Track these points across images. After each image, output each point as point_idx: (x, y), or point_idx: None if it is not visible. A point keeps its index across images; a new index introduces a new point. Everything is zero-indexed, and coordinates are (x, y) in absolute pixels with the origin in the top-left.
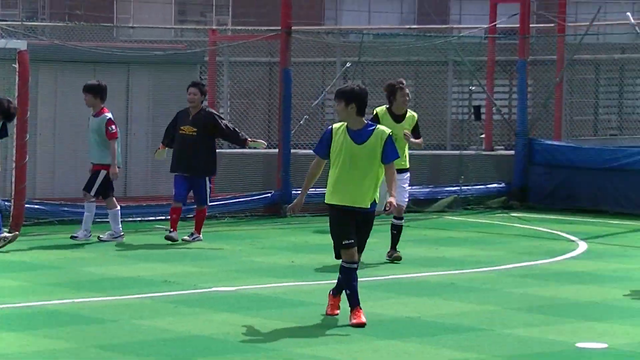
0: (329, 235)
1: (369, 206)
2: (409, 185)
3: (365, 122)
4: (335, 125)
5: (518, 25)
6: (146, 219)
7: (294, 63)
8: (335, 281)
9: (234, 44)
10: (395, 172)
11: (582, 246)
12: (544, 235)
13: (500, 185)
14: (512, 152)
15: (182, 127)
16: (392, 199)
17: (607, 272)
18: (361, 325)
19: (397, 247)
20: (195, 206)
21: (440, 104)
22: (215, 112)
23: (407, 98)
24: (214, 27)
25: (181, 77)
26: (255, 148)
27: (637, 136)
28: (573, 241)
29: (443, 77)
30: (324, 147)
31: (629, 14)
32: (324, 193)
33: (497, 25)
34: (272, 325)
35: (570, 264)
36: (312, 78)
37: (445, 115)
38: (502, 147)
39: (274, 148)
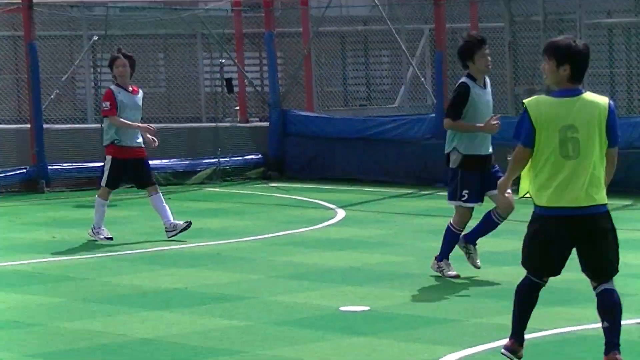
0: (91, 210)
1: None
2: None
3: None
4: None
5: None
6: None
7: (40, 37)
8: None
9: None
10: None
11: (340, 214)
12: (304, 204)
13: (258, 157)
14: (267, 123)
15: None
16: None
17: (365, 238)
18: None
19: None
20: None
21: (192, 77)
22: None
23: None
24: None
25: None
26: None
27: (385, 106)
28: (331, 209)
29: (193, 49)
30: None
31: None
32: (83, 168)
33: None
34: (35, 300)
35: (330, 231)
36: (60, 52)
37: (198, 88)
38: (257, 119)
39: (26, 123)
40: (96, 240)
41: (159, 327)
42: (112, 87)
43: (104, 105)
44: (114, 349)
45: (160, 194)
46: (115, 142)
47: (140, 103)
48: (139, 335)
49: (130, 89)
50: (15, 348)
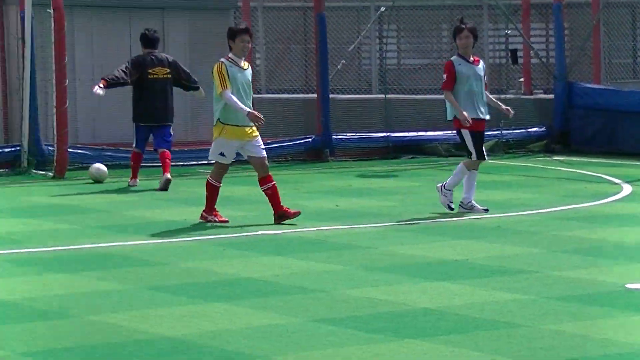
0: (372, 179)
1: None
2: None
3: None
4: None
5: None
6: (188, 163)
7: (328, 8)
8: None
9: None
10: None
11: (627, 189)
12: (587, 179)
13: (541, 129)
14: (552, 95)
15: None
16: None
17: None
18: None
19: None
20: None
21: (476, 48)
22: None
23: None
24: None
25: (215, 21)
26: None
27: None
28: (617, 184)
29: (478, 21)
30: None
31: None
32: (366, 138)
33: None
34: (319, 267)
35: (616, 206)
36: (347, 23)
37: (482, 59)
38: (541, 90)
39: (313, 93)
40: (373, 211)
41: (439, 298)
42: (454, 58)
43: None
44: (396, 317)
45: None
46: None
47: (481, 73)
48: (420, 305)
49: (472, 59)
50: (300, 313)
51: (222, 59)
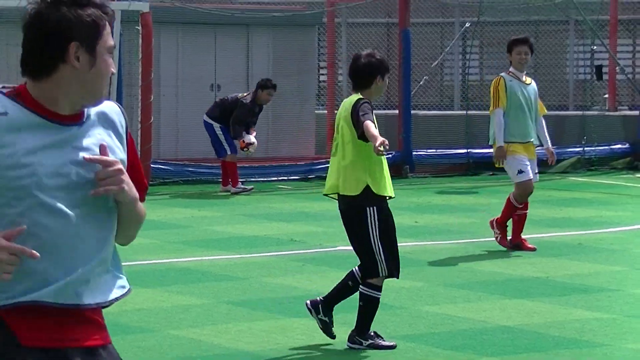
0: (452, 196)
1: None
2: None
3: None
4: None
5: None
6: (268, 179)
7: (412, 24)
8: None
9: (351, 5)
10: None
11: None
12: None
13: (625, 146)
14: (637, 112)
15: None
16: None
17: None
18: None
19: None
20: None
21: (561, 63)
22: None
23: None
24: None
25: (299, 38)
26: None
27: None
28: None
29: (564, 36)
30: None
31: None
32: (447, 154)
33: None
34: (397, 283)
35: None
36: (431, 39)
37: (566, 75)
38: (626, 107)
39: (394, 109)
40: (453, 228)
41: (519, 315)
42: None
43: None
44: (474, 335)
45: None
46: None
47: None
48: (499, 322)
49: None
50: (380, 329)
51: (502, 73)
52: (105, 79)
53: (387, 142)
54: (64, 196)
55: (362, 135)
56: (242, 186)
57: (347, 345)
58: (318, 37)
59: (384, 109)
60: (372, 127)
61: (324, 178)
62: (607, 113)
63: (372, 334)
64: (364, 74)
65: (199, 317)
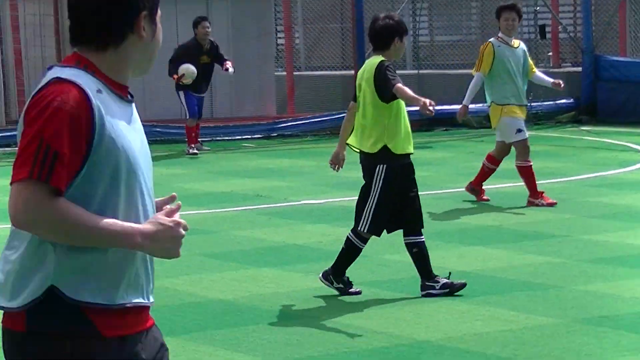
0: None
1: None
2: None
3: None
4: None
5: None
6: (232, 138)
7: None
8: None
9: None
10: None
11: None
12: (615, 148)
13: (569, 101)
14: (579, 68)
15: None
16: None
17: None
18: None
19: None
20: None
21: None
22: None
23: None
24: None
25: (257, 2)
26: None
27: None
28: None
29: None
30: None
31: None
32: None
33: None
34: None
35: None
36: (382, 2)
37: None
38: (569, 64)
39: (350, 70)
40: None
41: (476, 261)
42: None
43: None
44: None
45: None
46: None
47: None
48: (457, 268)
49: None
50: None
51: (491, 39)
52: (159, 49)
53: (432, 101)
54: (150, 177)
55: (392, 97)
56: (193, 151)
57: (319, 279)
58: (274, 1)
59: (341, 70)
60: (407, 90)
61: (286, 136)
62: (551, 70)
63: (345, 279)
64: (382, 36)
65: (173, 269)
